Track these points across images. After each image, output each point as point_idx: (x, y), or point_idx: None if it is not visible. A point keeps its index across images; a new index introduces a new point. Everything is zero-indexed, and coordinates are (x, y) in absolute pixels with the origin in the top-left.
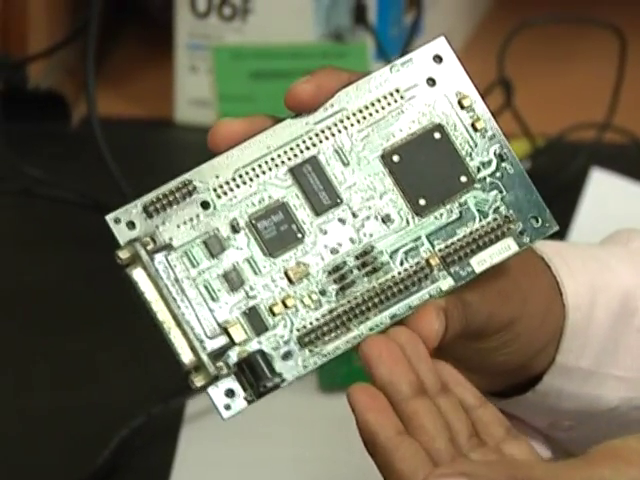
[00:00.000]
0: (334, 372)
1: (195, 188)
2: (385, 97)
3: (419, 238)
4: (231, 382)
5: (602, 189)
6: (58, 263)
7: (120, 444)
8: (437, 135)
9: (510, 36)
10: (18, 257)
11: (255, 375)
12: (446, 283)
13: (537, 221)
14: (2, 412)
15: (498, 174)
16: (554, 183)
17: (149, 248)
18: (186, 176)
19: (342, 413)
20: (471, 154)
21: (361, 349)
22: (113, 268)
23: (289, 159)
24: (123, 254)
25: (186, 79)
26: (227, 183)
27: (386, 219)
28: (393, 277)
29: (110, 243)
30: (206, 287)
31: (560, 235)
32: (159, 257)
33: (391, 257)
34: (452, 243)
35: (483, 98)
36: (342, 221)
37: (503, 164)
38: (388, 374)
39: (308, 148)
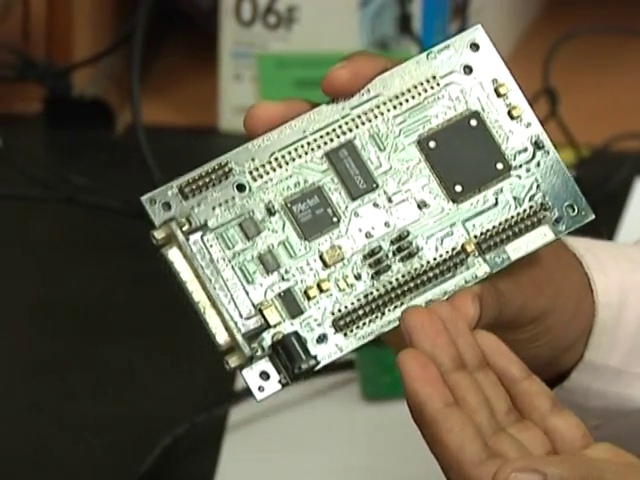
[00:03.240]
0: (377, 381)
1: (231, 170)
2: (422, 83)
3: (455, 224)
4: (265, 364)
5: None
6: (102, 271)
7: (163, 452)
8: (473, 122)
9: (556, 45)
10: (62, 265)
11: (290, 357)
12: (482, 269)
13: (573, 209)
14: (46, 420)
15: (534, 162)
16: (599, 193)
17: (185, 229)
18: (222, 158)
19: (386, 422)
20: (507, 141)
21: (403, 319)
22: (158, 276)
23: (325, 143)
24: (159, 234)
25: (230, 87)
26: (263, 166)
27: (422, 204)
28: (428, 262)
29: (154, 251)
30: (241, 269)
31: None
32: (194, 237)
33: (426, 242)
34: (488, 230)
35: (520, 86)
36: (377, 205)
37: (539, 152)
38: (431, 346)
39: (344, 133)
